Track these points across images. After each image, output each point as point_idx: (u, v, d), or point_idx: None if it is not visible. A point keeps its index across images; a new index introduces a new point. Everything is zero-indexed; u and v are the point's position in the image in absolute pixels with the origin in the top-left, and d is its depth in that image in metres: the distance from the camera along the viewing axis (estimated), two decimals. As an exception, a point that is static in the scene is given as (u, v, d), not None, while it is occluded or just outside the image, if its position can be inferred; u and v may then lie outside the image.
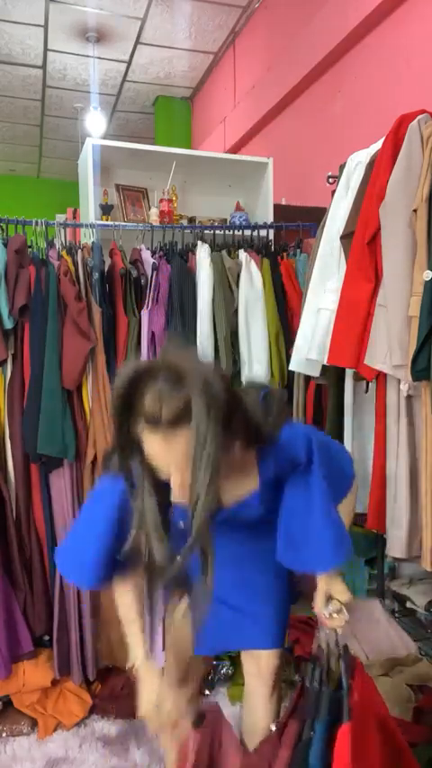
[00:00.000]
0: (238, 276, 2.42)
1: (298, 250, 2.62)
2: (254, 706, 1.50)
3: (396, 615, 2.24)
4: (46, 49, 5.26)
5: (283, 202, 3.54)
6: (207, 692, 2.14)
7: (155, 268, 2.34)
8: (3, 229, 2.29)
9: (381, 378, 1.77)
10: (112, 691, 2.10)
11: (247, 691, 1.54)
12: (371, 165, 1.79)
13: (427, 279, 1.55)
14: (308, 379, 2.14)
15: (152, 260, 2.37)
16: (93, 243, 2.35)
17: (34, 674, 2.06)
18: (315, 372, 1.98)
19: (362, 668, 1.17)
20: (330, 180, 2.32)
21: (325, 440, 1.36)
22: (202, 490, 0.99)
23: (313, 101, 3.96)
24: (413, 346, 1.57)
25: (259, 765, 1.12)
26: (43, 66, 5.57)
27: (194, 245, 2.46)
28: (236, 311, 2.39)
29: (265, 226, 2.77)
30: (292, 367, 2.07)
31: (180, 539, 1.07)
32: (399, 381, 1.68)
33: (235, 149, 5.15)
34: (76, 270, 2.25)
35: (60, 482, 2.13)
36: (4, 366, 2.15)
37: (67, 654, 2.09)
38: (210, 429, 0.97)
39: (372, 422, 1.85)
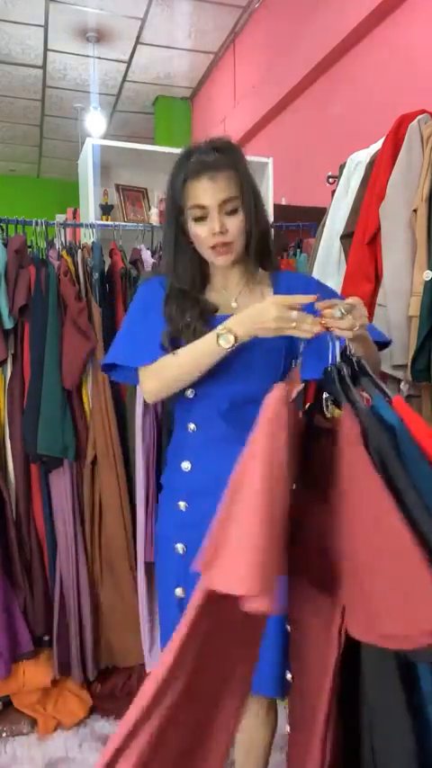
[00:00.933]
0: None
1: (298, 250, 2.62)
2: (248, 724, 1.40)
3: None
4: (46, 49, 5.26)
5: (283, 202, 3.54)
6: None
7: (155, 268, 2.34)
8: (3, 229, 2.29)
9: (381, 378, 1.77)
10: (112, 691, 2.10)
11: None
12: (371, 165, 1.79)
13: (427, 279, 1.55)
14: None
15: (152, 260, 2.37)
16: (93, 243, 2.35)
17: (34, 674, 2.06)
18: (315, 372, 1.98)
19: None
20: (330, 180, 2.32)
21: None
22: (253, 226, 1.24)
23: (313, 101, 3.96)
24: (413, 346, 1.57)
25: None
26: (43, 67, 5.57)
27: (194, 245, 2.46)
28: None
29: (265, 226, 2.77)
30: (292, 367, 2.06)
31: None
32: (399, 381, 1.68)
33: (235, 149, 5.15)
34: (76, 270, 2.25)
35: (60, 482, 2.13)
36: (4, 366, 2.15)
37: (67, 654, 2.09)
38: (248, 175, 1.27)
39: (372, 422, 1.85)
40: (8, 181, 8.42)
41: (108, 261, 2.38)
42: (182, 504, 1.31)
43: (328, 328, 1.01)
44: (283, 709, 2.04)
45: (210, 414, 1.30)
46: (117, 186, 3.10)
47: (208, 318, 1.27)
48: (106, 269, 2.36)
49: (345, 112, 3.55)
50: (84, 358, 2.14)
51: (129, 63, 5.51)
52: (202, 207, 1.24)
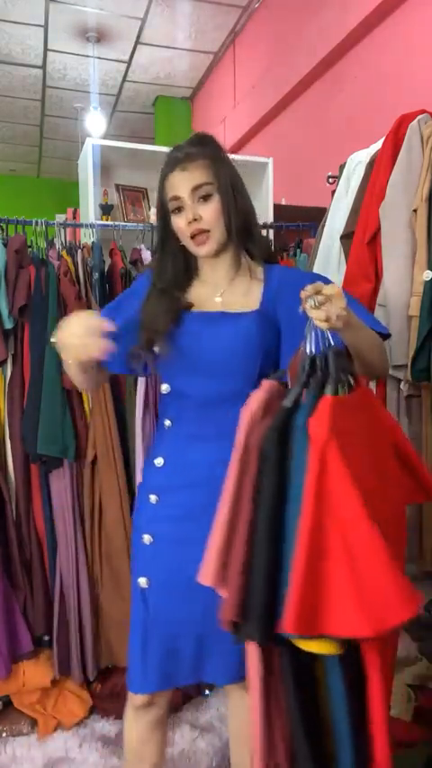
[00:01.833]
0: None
1: (298, 250, 2.62)
2: (238, 708, 1.39)
3: (396, 615, 2.24)
4: (46, 49, 5.26)
5: (283, 202, 3.54)
6: (207, 691, 2.14)
7: (155, 268, 2.34)
8: (3, 229, 2.29)
9: (380, 377, 1.77)
10: (112, 691, 2.10)
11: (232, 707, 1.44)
12: (371, 165, 1.79)
13: (427, 279, 1.55)
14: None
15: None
16: (93, 243, 2.35)
17: (34, 673, 2.06)
18: (315, 372, 1.98)
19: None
20: (330, 180, 2.32)
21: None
22: (231, 211, 1.25)
23: (313, 101, 3.96)
24: (413, 346, 1.57)
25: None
26: (43, 67, 5.57)
27: (194, 245, 2.46)
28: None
29: (265, 226, 2.77)
30: (292, 367, 2.06)
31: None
32: (399, 381, 1.68)
33: (235, 149, 5.15)
34: (76, 270, 2.25)
35: (60, 482, 2.13)
36: (4, 366, 2.15)
37: (67, 654, 2.09)
38: (224, 161, 1.28)
39: (372, 422, 1.85)
40: (8, 181, 8.42)
41: (108, 261, 2.38)
42: (153, 498, 1.32)
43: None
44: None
45: (183, 410, 1.31)
46: (117, 186, 3.10)
47: (178, 317, 1.28)
48: (106, 269, 2.36)
49: (345, 112, 3.55)
50: (84, 358, 2.14)
51: (129, 63, 5.51)
52: (177, 198, 1.25)
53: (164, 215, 1.31)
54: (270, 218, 3.07)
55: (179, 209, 1.26)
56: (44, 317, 2.12)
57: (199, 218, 1.24)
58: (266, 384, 1.04)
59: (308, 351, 0.99)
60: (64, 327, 1.16)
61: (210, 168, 1.25)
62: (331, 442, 0.84)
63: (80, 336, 1.13)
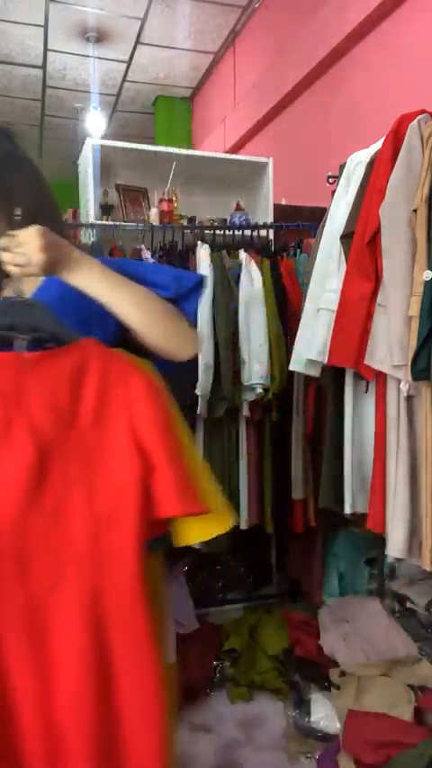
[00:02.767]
0: (239, 276, 2.42)
1: (298, 250, 2.62)
2: None
3: (396, 615, 2.24)
4: (46, 49, 5.26)
5: (283, 202, 3.54)
6: (207, 691, 2.14)
7: (155, 268, 2.34)
8: (3, 229, 2.29)
9: (381, 378, 1.77)
10: (112, 691, 2.10)
11: None
12: (371, 165, 1.79)
13: (427, 279, 1.55)
14: (308, 379, 2.14)
15: (152, 260, 2.37)
16: (93, 243, 2.36)
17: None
18: (315, 372, 1.98)
19: None
20: (330, 180, 2.32)
21: None
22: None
23: (313, 101, 3.96)
24: (413, 346, 1.57)
25: None
26: (43, 67, 5.57)
27: (194, 246, 2.46)
28: (236, 311, 2.39)
29: (265, 226, 2.78)
30: (292, 367, 2.07)
31: None
32: (399, 381, 1.68)
33: (235, 149, 5.15)
34: (76, 270, 2.24)
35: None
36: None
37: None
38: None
39: (372, 422, 1.85)
40: (8, 181, 8.42)
41: (108, 261, 2.38)
42: None
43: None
44: (281, 711, 2.05)
45: None
46: (117, 186, 3.10)
47: None
48: (106, 269, 2.36)
49: (345, 112, 3.55)
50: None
51: (129, 63, 5.51)
52: None
53: None
54: (270, 218, 3.08)
55: None
56: (44, 317, 2.12)
57: None
58: None
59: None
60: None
61: None
62: None
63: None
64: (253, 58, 4.85)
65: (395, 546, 1.67)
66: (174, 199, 2.99)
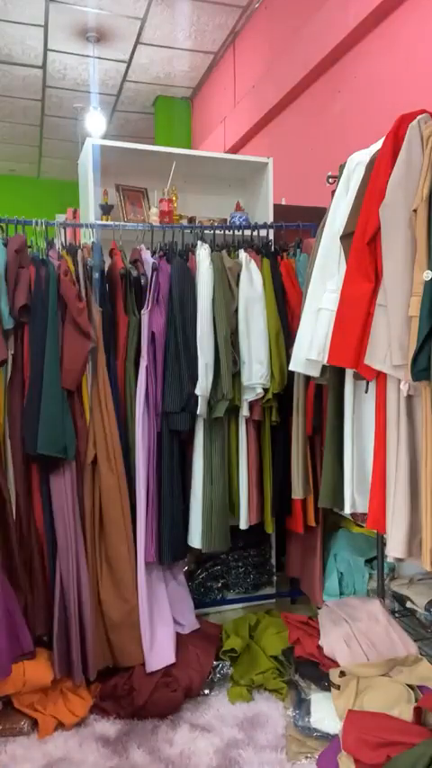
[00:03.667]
0: (238, 276, 2.42)
1: (298, 250, 2.62)
2: None
3: (396, 615, 2.24)
4: (46, 49, 5.26)
5: (283, 202, 3.54)
6: (207, 691, 2.14)
7: (155, 268, 2.34)
8: (3, 229, 2.29)
9: (381, 378, 1.77)
10: (112, 691, 2.10)
11: None
12: (371, 165, 1.79)
13: (427, 279, 1.55)
14: (308, 379, 2.14)
15: (152, 260, 2.37)
16: (93, 243, 2.36)
17: (34, 673, 2.06)
18: (315, 372, 1.98)
19: None
20: (330, 180, 2.32)
21: None
22: None
23: (313, 101, 3.96)
24: (413, 346, 1.57)
25: None
26: (43, 67, 5.58)
27: (194, 245, 2.46)
28: (236, 311, 2.39)
29: (265, 226, 2.78)
30: (292, 367, 2.07)
31: None
32: (399, 381, 1.68)
33: (235, 149, 5.15)
34: (76, 270, 2.25)
35: (60, 482, 2.13)
36: (4, 366, 2.15)
37: (67, 654, 2.09)
38: None
39: (372, 422, 1.85)
40: (8, 181, 8.42)
41: (108, 261, 2.38)
42: None
43: None
44: (281, 711, 2.04)
45: None
46: (117, 186, 3.10)
47: None
48: (106, 269, 2.36)
49: (344, 113, 3.56)
50: (84, 358, 2.14)
51: (129, 63, 5.51)
52: None
53: None
54: (270, 218, 3.08)
55: None
56: (44, 317, 2.12)
57: None
58: None
59: None
60: None
61: None
62: None
63: None
64: (253, 58, 4.85)
65: (395, 546, 1.67)
66: (174, 199, 3.00)
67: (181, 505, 2.35)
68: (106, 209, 2.95)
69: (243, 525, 2.47)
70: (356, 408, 1.94)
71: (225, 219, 3.09)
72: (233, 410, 2.43)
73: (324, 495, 1.96)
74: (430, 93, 2.76)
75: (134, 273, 2.39)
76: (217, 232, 2.71)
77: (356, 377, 1.88)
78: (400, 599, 2.27)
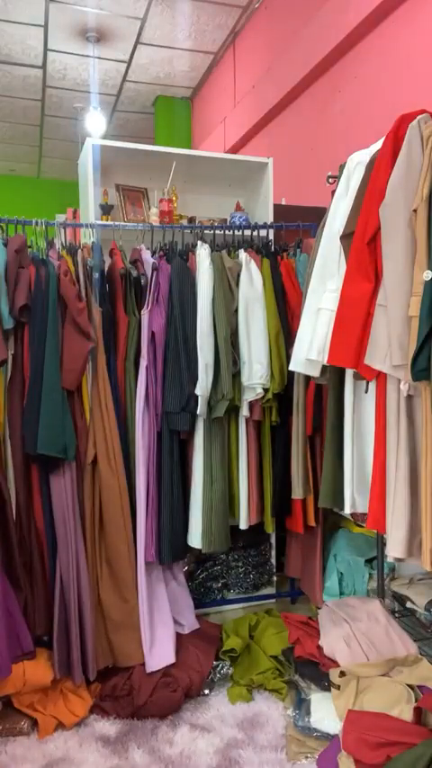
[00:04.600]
0: (238, 276, 2.42)
1: (298, 250, 2.62)
2: None
3: (396, 615, 2.24)
4: (46, 49, 5.26)
5: (283, 202, 3.54)
6: (207, 691, 2.14)
7: (155, 268, 2.34)
8: (3, 229, 2.29)
9: (381, 378, 1.77)
10: (112, 691, 2.10)
11: None
12: (371, 165, 1.79)
13: (427, 279, 1.55)
14: (308, 379, 2.14)
15: (152, 260, 2.37)
16: (93, 243, 2.36)
17: (34, 673, 2.06)
18: (315, 372, 1.98)
19: None
20: (330, 180, 2.32)
21: None
22: None
23: (313, 101, 3.96)
24: (413, 346, 1.57)
25: None
26: (43, 67, 5.58)
27: (194, 245, 2.46)
28: (236, 311, 2.39)
29: (265, 226, 2.78)
30: (292, 367, 2.07)
31: None
32: (399, 381, 1.68)
33: (235, 149, 5.15)
34: (76, 270, 2.25)
35: (60, 482, 2.13)
36: (4, 366, 2.15)
37: (67, 654, 2.09)
38: None
39: (372, 422, 1.85)
40: (8, 181, 8.42)
41: (108, 261, 2.38)
42: None
43: None
44: (281, 711, 2.04)
45: None
46: (117, 186, 3.10)
47: None
48: (106, 269, 2.36)
49: (345, 112, 3.56)
50: (84, 358, 2.14)
51: (129, 63, 5.51)
52: None
53: None
54: (270, 218, 3.08)
55: None
56: (44, 317, 2.12)
57: None
58: None
59: None
60: None
61: None
62: None
63: None
64: (253, 58, 4.85)
65: (395, 546, 1.67)
66: (173, 199, 3.00)
67: (181, 505, 2.35)
68: (106, 209, 2.95)
69: (243, 525, 2.47)
70: (356, 408, 1.94)
71: (225, 219, 3.09)
72: (233, 410, 2.43)
73: (324, 495, 1.96)
74: (430, 93, 2.76)
75: (134, 273, 2.39)
76: (217, 232, 2.71)
77: (356, 377, 1.88)
78: (400, 599, 2.27)
